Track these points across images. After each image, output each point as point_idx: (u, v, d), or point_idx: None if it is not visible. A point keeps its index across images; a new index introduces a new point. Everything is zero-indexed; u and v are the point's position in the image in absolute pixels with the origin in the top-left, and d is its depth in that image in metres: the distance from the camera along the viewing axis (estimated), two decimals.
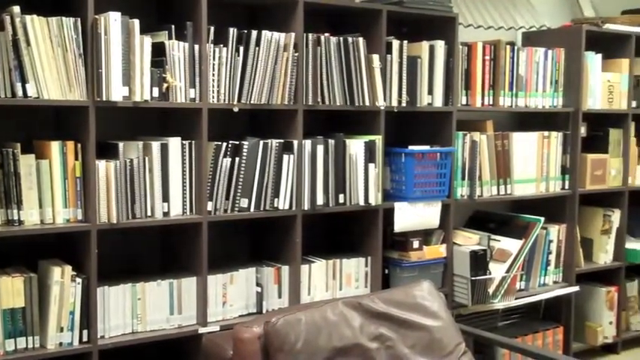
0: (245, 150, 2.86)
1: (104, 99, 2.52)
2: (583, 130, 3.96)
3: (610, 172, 4.09)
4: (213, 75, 2.78)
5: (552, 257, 3.92)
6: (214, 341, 2.56)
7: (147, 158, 2.67)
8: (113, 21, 2.50)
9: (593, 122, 4.02)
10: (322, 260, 3.17)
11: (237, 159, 2.85)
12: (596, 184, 4.04)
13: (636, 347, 4.34)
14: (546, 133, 3.85)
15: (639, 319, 4.39)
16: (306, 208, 3.03)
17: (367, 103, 3.16)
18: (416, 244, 3.35)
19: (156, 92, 2.65)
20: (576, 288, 3.95)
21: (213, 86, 2.78)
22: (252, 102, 2.88)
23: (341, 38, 3.07)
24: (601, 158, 4.05)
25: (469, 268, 3.44)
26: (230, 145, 2.84)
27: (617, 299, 4.18)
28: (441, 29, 3.43)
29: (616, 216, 4.15)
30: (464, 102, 3.55)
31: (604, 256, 4.16)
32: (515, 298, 3.66)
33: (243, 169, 2.86)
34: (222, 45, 2.79)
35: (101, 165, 2.55)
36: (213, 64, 2.77)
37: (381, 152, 3.20)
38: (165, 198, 2.72)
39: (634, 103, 4.17)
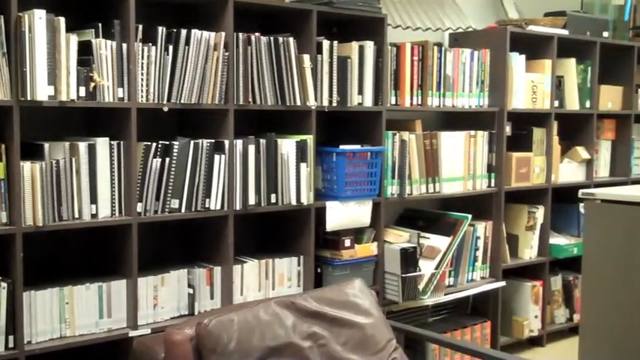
0: (175, 150, 2.83)
1: (29, 99, 2.45)
2: (508, 130, 4.06)
3: (534, 170, 4.21)
4: (142, 74, 2.74)
5: (479, 253, 4.01)
6: (145, 344, 2.53)
7: (74, 159, 2.61)
8: (38, 19, 2.44)
9: (517, 121, 4.13)
10: (255, 260, 3.16)
11: (167, 159, 2.82)
12: (520, 181, 4.15)
13: (561, 339, 4.48)
14: (473, 133, 3.94)
15: (563, 312, 4.53)
16: (237, 208, 3.02)
17: (298, 102, 3.17)
18: (347, 242, 3.38)
19: (83, 92, 2.60)
20: (503, 283, 4.06)
21: (142, 85, 2.74)
22: (182, 102, 2.85)
23: (271, 38, 3.07)
24: (525, 156, 4.16)
25: (399, 266, 3.49)
26: (160, 146, 2.81)
27: (542, 293, 4.31)
28: (371, 30, 3.47)
29: (540, 212, 4.27)
30: (393, 102, 3.60)
31: (529, 251, 4.27)
32: (445, 294, 3.73)
33: (173, 169, 2.84)
34: (150, 44, 2.75)
35: (26, 166, 2.48)
36: (142, 63, 2.74)
37: (312, 152, 3.22)
38: (94, 199, 2.67)
39: (556, 103, 4.31)
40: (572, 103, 4.41)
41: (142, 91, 2.75)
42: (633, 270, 2.54)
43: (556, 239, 4.41)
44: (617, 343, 2.60)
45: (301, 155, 3.18)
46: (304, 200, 3.21)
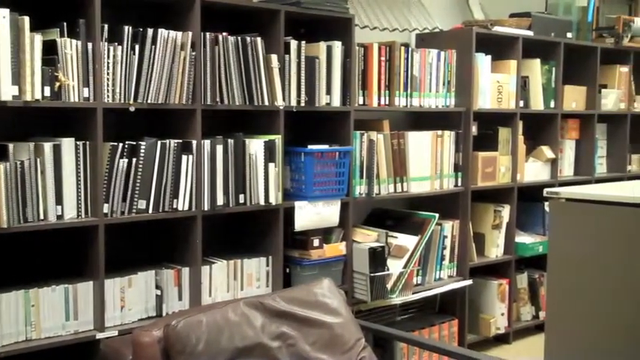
0: (142, 150, 2.81)
1: None
2: (474, 129, 4.10)
3: (500, 170, 4.26)
4: (108, 74, 2.72)
5: (447, 252, 4.04)
6: (112, 346, 2.50)
7: (39, 160, 2.58)
8: (2, 18, 2.41)
9: (483, 121, 4.17)
10: (223, 261, 3.15)
11: (134, 160, 2.80)
12: (486, 181, 4.19)
13: (527, 337, 4.53)
14: (440, 132, 3.97)
15: (529, 309, 4.59)
16: (206, 209, 3.00)
17: (266, 102, 3.16)
18: (316, 242, 3.39)
19: (48, 91, 2.57)
20: (470, 281, 4.10)
21: (107, 85, 2.72)
22: (149, 101, 2.83)
23: (239, 38, 3.06)
24: (491, 156, 4.21)
25: (368, 265, 3.50)
26: (127, 146, 2.78)
27: (508, 291, 4.35)
28: (338, 30, 3.48)
29: (506, 211, 4.32)
30: (361, 102, 3.61)
31: (495, 250, 4.32)
32: (413, 293, 3.75)
33: (140, 170, 2.81)
34: (116, 43, 2.73)
35: None
36: (108, 63, 2.71)
37: (280, 152, 3.22)
38: (59, 201, 2.64)
39: (521, 103, 4.36)
40: (537, 103, 4.46)
41: (107, 90, 2.72)
42: (597, 267, 2.59)
43: (522, 238, 4.46)
44: (582, 339, 2.65)
45: (269, 155, 3.18)
46: (273, 200, 3.21)
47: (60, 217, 2.65)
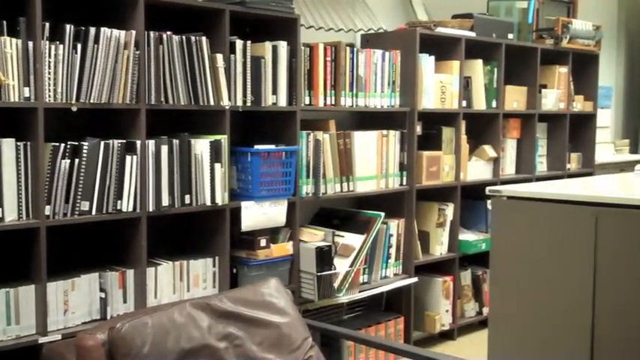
0: (85, 151, 2.77)
1: None
2: (418, 129, 4.15)
3: (444, 169, 4.32)
4: (50, 73, 2.67)
5: (393, 250, 4.08)
6: (56, 350, 2.46)
7: None
8: None
9: (427, 121, 4.23)
10: (169, 262, 3.12)
11: (76, 160, 2.75)
12: (431, 179, 4.25)
13: (471, 332, 4.61)
14: (385, 132, 4.01)
15: (473, 306, 4.67)
16: (151, 210, 2.97)
17: (212, 102, 3.15)
18: (263, 242, 3.39)
19: None
20: (415, 279, 4.15)
21: (49, 85, 2.67)
22: (91, 101, 2.79)
23: (184, 37, 3.04)
24: (435, 155, 4.26)
25: (315, 264, 3.52)
26: (69, 146, 2.73)
27: (452, 288, 4.42)
28: (284, 30, 3.48)
29: (450, 210, 4.39)
30: (307, 102, 3.62)
31: (439, 247, 4.38)
32: (359, 292, 3.78)
33: (83, 170, 2.77)
34: (58, 42, 2.68)
35: None
36: (49, 62, 2.66)
37: (226, 152, 3.20)
38: None
39: (464, 103, 4.43)
40: (480, 103, 4.54)
41: (49, 90, 2.67)
42: (538, 264, 2.65)
43: (465, 235, 4.53)
44: (524, 334, 2.71)
45: (215, 155, 3.17)
46: (219, 201, 3.20)
47: (0, 219, 2.59)
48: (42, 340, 2.68)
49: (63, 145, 2.72)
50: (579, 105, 5.33)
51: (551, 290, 2.61)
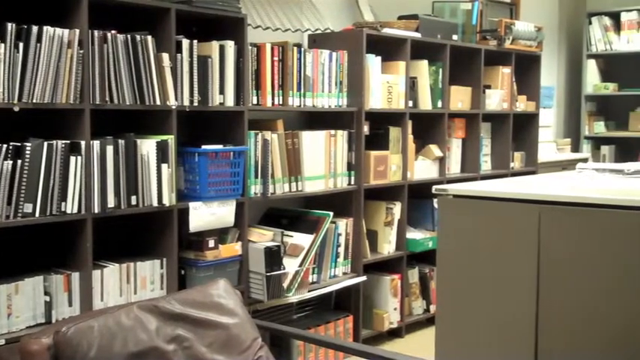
0: (28, 152, 2.71)
1: None
2: (366, 129, 4.17)
3: (391, 168, 4.36)
4: None
5: (341, 250, 4.10)
6: None
7: None
8: None
9: (374, 121, 4.26)
10: (115, 264, 3.08)
11: (19, 161, 2.69)
12: (378, 179, 4.28)
13: (418, 330, 4.65)
14: (333, 132, 4.03)
15: (420, 303, 4.72)
16: (96, 211, 2.93)
17: (158, 102, 3.12)
18: (211, 243, 3.37)
19: None
20: (364, 278, 4.17)
21: None
22: (34, 101, 2.73)
23: (129, 36, 3.00)
24: (382, 155, 4.30)
25: (264, 265, 3.51)
26: (11, 147, 2.67)
27: (400, 286, 4.46)
28: (231, 30, 3.47)
29: (397, 209, 4.43)
30: (255, 102, 3.62)
31: (388, 246, 4.42)
32: (308, 291, 3.79)
33: (26, 172, 2.71)
34: None
35: None
36: None
37: (173, 152, 3.18)
38: None
39: (410, 103, 4.48)
40: (425, 103, 4.60)
41: None
42: (483, 261, 2.69)
43: (412, 234, 4.58)
44: (470, 331, 2.75)
45: (162, 156, 3.13)
46: (166, 201, 3.16)
47: None
48: None
49: (5, 145, 2.66)
50: (522, 105, 5.44)
51: (496, 287, 2.66)
